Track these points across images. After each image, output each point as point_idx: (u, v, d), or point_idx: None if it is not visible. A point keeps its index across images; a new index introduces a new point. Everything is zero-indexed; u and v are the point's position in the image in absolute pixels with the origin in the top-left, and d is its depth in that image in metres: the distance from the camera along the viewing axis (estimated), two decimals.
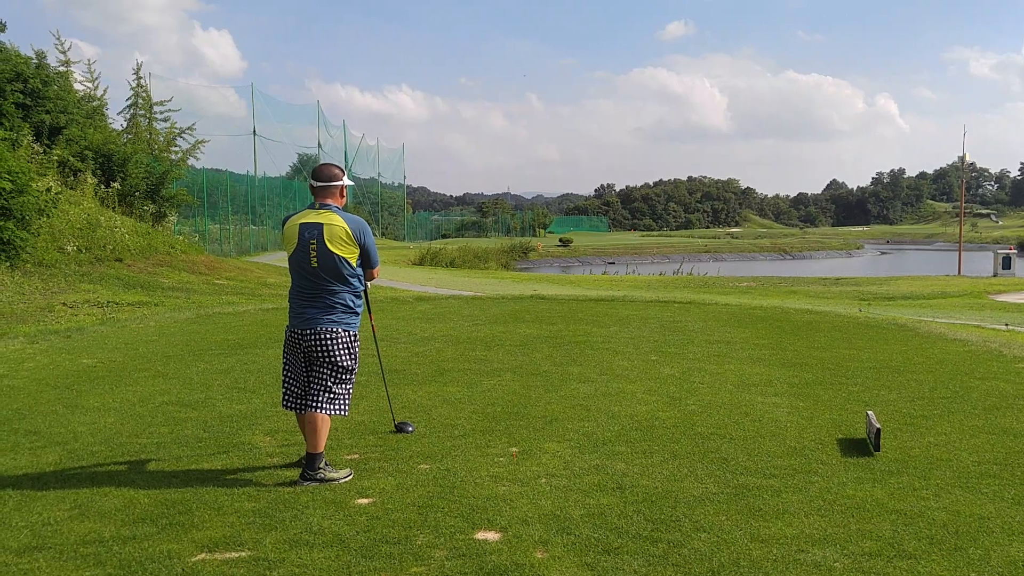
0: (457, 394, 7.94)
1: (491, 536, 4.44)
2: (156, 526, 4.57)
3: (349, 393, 5.69)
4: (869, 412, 6.45)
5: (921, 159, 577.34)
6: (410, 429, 6.55)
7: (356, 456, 5.97)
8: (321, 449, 5.45)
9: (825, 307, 18.61)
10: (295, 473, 5.55)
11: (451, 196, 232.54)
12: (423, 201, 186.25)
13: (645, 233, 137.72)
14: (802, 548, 4.28)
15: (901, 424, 6.90)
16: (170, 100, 43.48)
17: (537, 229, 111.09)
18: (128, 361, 9.87)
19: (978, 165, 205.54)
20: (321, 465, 5.43)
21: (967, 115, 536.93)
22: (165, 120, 43.90)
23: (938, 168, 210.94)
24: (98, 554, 4.20)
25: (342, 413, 5.62)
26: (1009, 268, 42.55)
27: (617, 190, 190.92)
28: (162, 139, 43.06)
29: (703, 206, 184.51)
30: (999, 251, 46.04)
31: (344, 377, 5.64)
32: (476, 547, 4.27)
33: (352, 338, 5.66)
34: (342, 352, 5.59)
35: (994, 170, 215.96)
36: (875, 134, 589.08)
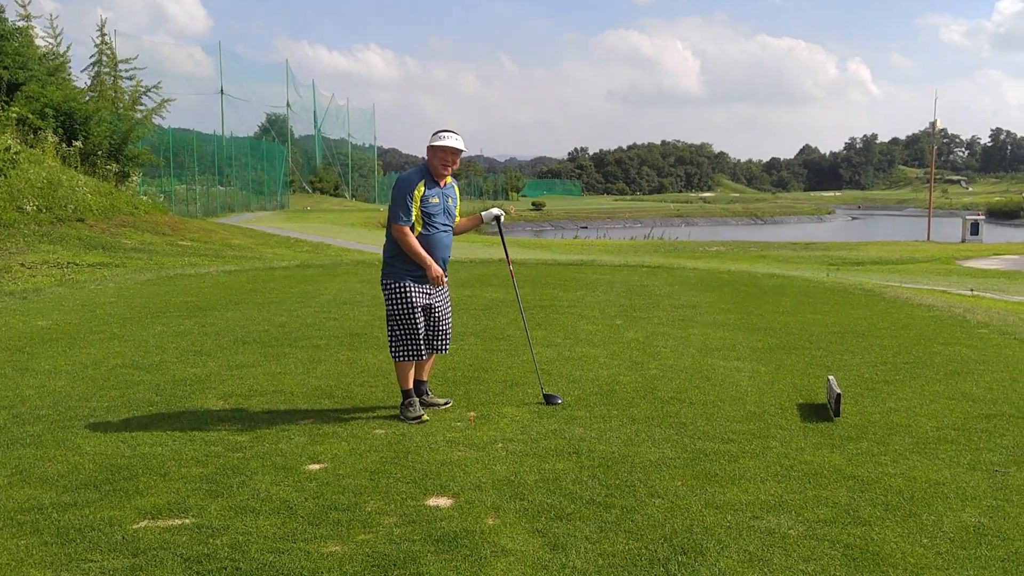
0: None
1: (443, 502, 4.36)
2: (99, 492, 4.45)
3: (401, 345, 5.97)
4: (830, 377, 6.41)
5: (894, 125, 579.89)
6: (559, 401, 6.35)
7: (311, 421, 5.87)
8: (404, 387, 6.01)
9: (793, 272, 18.64)
10: (247, 437, 5.44)
11: (423, 158, 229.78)
12: (395, 163, 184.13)
13: (618, 197, 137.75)
14: (756, 514, 4.24)
15: (862, 390, 6.88)
16: (135, 58, 42.70)
17: (510, 192, 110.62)
18: (84, 323, 9.68)
19: (949, 132, 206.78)
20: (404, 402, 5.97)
21: (939, 82, 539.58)
22: (130, 78, 43.14)
23: (910, 134, 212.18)
24: (36, 522, 4.08)
25: (394, 357, 6.03)
26: (977, 234, 42.93)
27: (591, 154, 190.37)
28: (127, 98, 42.33)
29: (676, 170, 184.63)
30: (968, 217, 46.46)
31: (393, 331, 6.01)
32: (427, 513, 4.19)
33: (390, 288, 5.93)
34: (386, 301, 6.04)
35: (965, 136, 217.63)
36: (848, 99, 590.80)
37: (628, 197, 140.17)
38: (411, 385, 5.97)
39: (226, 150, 51.97)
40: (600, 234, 56.07)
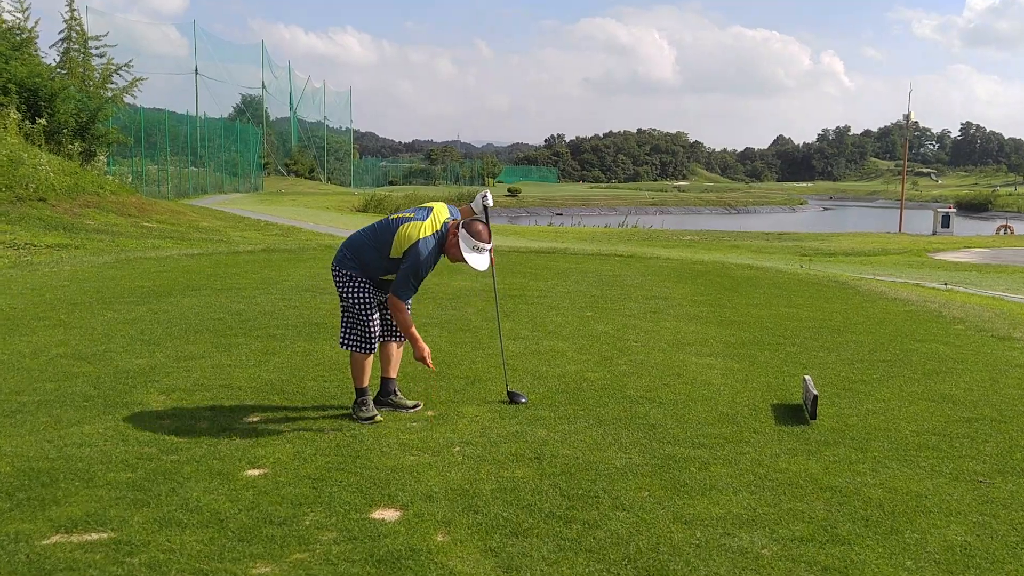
0: (377, 351, 7.46)
1: (389, 515, 4.02)
2: (11, 501, 4.06)
3: (357, 337, 5.69)
4: (806, 377, 6.13)
5: (866, 117, 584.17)
6: (523, 400, 5.98)
7: (257, 419, 5.51)
8: (358, 384, 5.67)
9: (767, 262, 18.40)
10: (185, 438, 5.07)
11: (400, 142, 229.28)
12: (371, 147, 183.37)
13: (594, 185, 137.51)
14: (728, 531, 3.93)
15: (839, 389, 6.60)
16: (106, 35, 41.85)
17: (486, 178, 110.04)
18: (30, 308, 9.24)
19: (920, 125, 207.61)
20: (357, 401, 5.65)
21: (910, 75, 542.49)
22: (101, 56, 42.31)
23: (882, 126, 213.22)
24: None
25: (344, 347, 5.77)
26: (948, 227, 42.94)
27: (567, 141, 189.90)
28: (97, 76, 41.51)
29: (652, 159, 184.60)
30: (939, 209, 46.48)
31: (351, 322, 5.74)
32: (371, 528, 3.85)
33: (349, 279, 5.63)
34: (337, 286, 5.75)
35: (936, 130, 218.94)
36: (821, 91, 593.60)
37: (604, 185, 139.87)
38: (366, 383, 5.61)
39: (200, 131, 51.25)
40: (575, 221, 55.72)
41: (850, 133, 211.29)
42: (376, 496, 4.25)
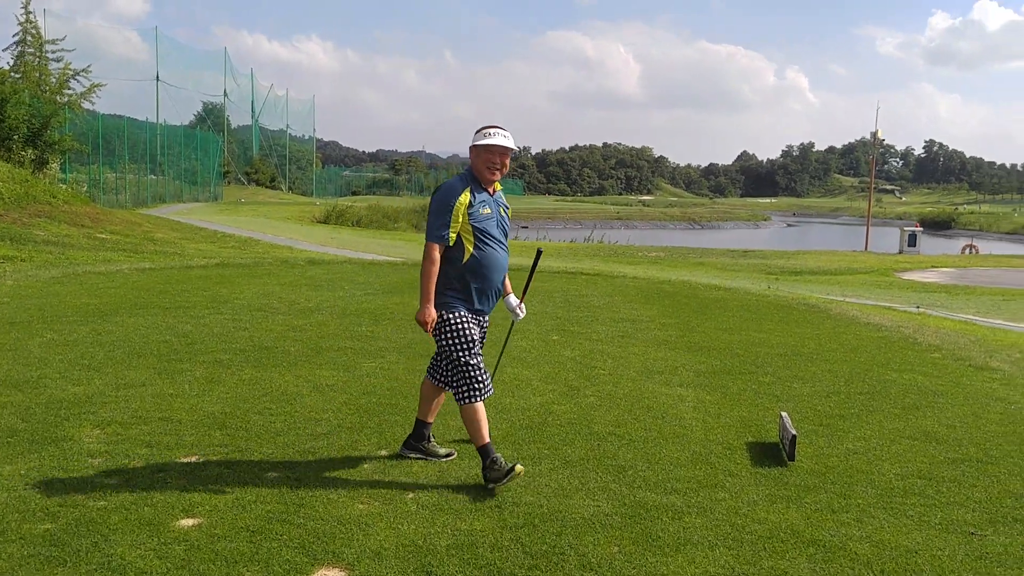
0: (330, 379, 7.06)
1: None
2: None
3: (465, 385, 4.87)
4: (783, 414, 5.81)
5: (830, 134, 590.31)
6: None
7: (195, 458, 5.08)
8: (481, 441, 4.86)
9: (734, 282, 18.19)
10: (115, 480, 4.64)
11: (364, 152, 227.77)
12: (334, 156, 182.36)
13: (559, 198, 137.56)
14: None
15: (816, 425, 6.28)
16: (63, 39, 41.19)
17: None
18: None
19: (884, 142, 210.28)
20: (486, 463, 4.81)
21: (875, 92, 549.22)
22: (58, 60, 41.54)
23: (846, 143, 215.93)
24: None
25: (460, 402, 4.91)
26: (914, 245, 43.22)
27: (533, 153, 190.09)
28: (54, 80, 40.74)
29: (617, 173, 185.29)
30: (905, 228, 46.75)
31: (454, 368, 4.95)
32: None
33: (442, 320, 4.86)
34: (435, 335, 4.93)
35: (899, 147, 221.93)
36: (786, 107, 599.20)
37: (569, 198, 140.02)
38: (485, 437, 4.82)
39: (160, 138, 50.42)
40: (540, 235, 55.54)
41: (814, 149, 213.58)
42: (319, 553, 3.86)
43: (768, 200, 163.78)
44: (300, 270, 14.73)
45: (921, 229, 48.14)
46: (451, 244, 4.77)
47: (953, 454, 5.71)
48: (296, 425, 5.77)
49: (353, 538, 4.03)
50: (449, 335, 4.82)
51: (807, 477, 5.16)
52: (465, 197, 4.78)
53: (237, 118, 78.56)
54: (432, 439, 5.27)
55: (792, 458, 5.40)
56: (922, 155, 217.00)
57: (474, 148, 4.89)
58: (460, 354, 4.82)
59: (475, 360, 4.83)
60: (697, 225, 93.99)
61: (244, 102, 76.96)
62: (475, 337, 4.86)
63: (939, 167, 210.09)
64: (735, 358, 8.66)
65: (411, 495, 4.60)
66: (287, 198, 66.70)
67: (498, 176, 4.92)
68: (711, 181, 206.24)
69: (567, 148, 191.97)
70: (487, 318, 5.10)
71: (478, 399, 4.82)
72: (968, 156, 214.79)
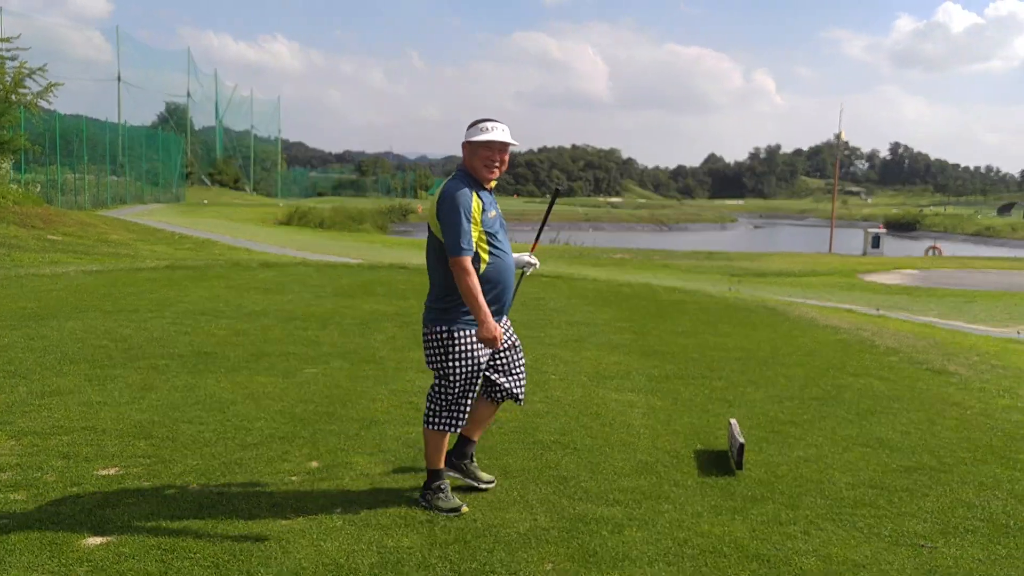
0: (268, 386, 6.79)
1: None
2: None
3: (439, 407, 4.50)
4: (732, 421, 5.63)
5: (797, 136, 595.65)
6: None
7: (114, 470, 4.81)
8: (434, 466, 4.54)
9: (695, 284, 18.08)
10: (24, 495, 4.37)
11: (330, 153, 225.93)
12: (301, 157, 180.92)
13: (528, 199, 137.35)
14: None
15: (767, 432, 6.11)
16: (18, 37, 40.26)
17: (419, 191, 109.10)
18: None
19: (851, 144, 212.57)
20: (432, 486, 4.52)
21: (841, 95, 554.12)
22: (13, 59, 40.76)
23: (813, 145, 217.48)
24: None
25: (429, 426, 4.51)
26: (878, 247, 43.45)
27: None
28: (8, 79, 39.96)
29: (586, 175, 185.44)
30: (869, 230, 46.99)
31: (435, 386, 4.54)
32: None
33: (442, 337, 4.42)
34: (428, 353, 4.52)
35: (865, 149, 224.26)
36: (753, 109, 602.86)
37: (538, 199, 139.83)
38: (443, 463, 4.56)
39: (122, 139, 49.66)
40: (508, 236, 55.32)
41: (781, 152, 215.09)
42: (233, 573, 3.63)
43: (736, 202, 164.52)
44: (252, 273, 14.41)
45: (885, 231, 48.44)
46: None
47: (906, 462, 5.56)
48: (226, 434, 5.51)
49: (271, 557, 3.79)
50: (454, 357, 4.39)
51: (755, 487, 4.98)
52: (476, 201, 4.36)
53: (201, 119, 77.77)
54: (474, 459, 4.81)
55: (740, 467, 5.22)
56: (888, 157, 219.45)
57: (469, 144, 4.44)
58: (458, 383, 4.42)
59: (470, 396, 4.47)
60: (665, 227, 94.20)
61: (208, 103, 76.21)
62: (481, 366, 4.45)
63: (905, 169, 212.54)
64: (689, 362, 8.49)
65: (338, 509, 4.37)
66: (251, 199, 66.04)
67: (497, 174, 4.52)
68: (679, 183, 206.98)
69: (536, 149, 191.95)
70: (505, 321, 4.70)
71: (451, 431, 4.50)
72: (933, 158, 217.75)
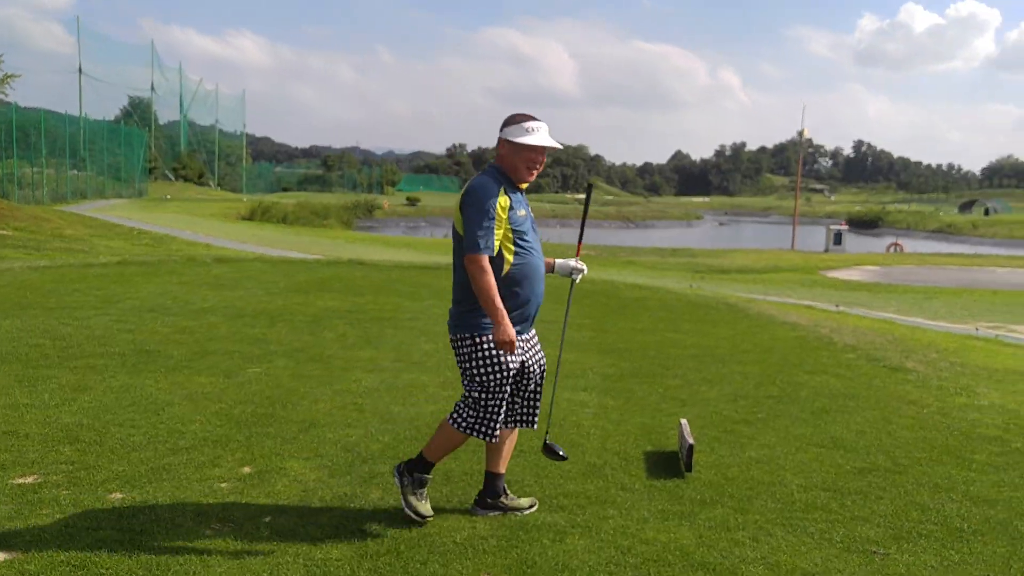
0: (207, 386, 6.55)
1: None
2: None
3: (467, 412, 4.22)
4: (683, 421, 5.48)
5: (762, 133, 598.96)
6: (561, 455, 4.60)
7: (32, 479, 4.56)
8: (431, 459, 4.30)
9: (658, 281, 17.98)
10: None
11: (297, 148, 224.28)
12: (267, 152, 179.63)
13: None
14: None
15: (720, 432, 5.97)
16: None
17: (385, 186, 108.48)
18: None
19: (815, 142, 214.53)
20: (415, 475, 4.28)
21: (805, 93, 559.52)
22: None
23: (777, 143, 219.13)
24: None
25: (452, 423, 4.25)
26: (840, 244, 43.67)
27: (469, 150, 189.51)
28: None
29: (553, 171, 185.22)
30: (831, 226, 47.24)
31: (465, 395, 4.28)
32: None
33: (465, 343, 4.20)
34: (458, 361, 4.30)
35: (829, 147, 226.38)
36: (719, 107, 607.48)
37: None
38: (439, 459, 4.33)
39: (83, 133, 48.85)
40: None
41: (746, 149, 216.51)
42: None
43: (701, 199, 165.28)
44: (205, 269, 14.09)
45: (847, 227, 48.71)
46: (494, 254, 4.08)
47: (860, 463, 5.43)
48: (157, 438, 5.27)
49: (190, 571, 3.58)
50: (481, 362, 4.15)
51: (704, 490, 4.83)
52: (504, 201, 4.11)
53: (165, 113, 76.85)
54: (508, 492, 4.48)
55: (689, 468, 5.07)
56: (851, 155, 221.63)
57: (512, 144, 4.18)
58: (489, 387, 4.16)
59: (499, 401, 4.19)
60: (632, 224, 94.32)
61: (172, 97, 75.32)
62: (511, 370, 4.20)
63: (868, 167, 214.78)
64: (646, 360, 8.34)
65: (267, 519, 4.16)
66: (215, 194, 65.32)
67: (535, 176, 4.30)
68: (646, 180, 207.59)
69: None
70: (534, 334, 4.50)
71: (479, 438, 4.20)
72: (896, 156, 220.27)
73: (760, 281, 22.17)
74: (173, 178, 71.07)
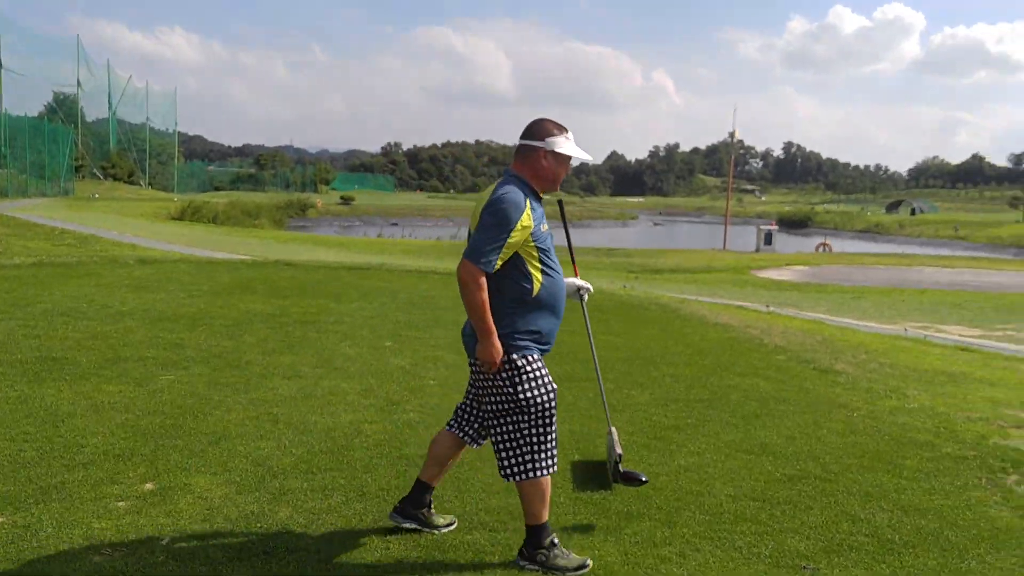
0: (115, 396, 6.20)
1: None
2: None
3: (524, 450, 3.89)
4: (612, 429, 5.29)
5: (695, 135, 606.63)
6: (644, 480, 4.48)
7: None
8: (538, 521, 3.89)
9: (593, 282, 17.86)
10: None
11: (230, 146, 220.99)
12: (199, 150, 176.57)
13: (432, 194, 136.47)
14: None
15: (650, 438, 5.82)
16: None
17: (319, 185, 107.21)
18: None
19: (746, 143, 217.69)
20: (543, 543, 3.86)
21: (736, 95, 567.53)
22: None
23: (710, 144, 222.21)
24: None
25: (521, 477, 3.89)
26: (770, 244, 44.21)
27: (404, 149, 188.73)
28: None
29: (490, 170, 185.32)
30: (762, 227, 47.81)
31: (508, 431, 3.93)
32: None
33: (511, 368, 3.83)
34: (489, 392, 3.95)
35: (760, 148, 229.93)
36: (653, 108, 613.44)
37: (442, 195, 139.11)
38: (544, 515, 3.90)
39: (3, 129, 47.37)
40: (408, 232, 54.73)
41: (680, 150, 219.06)
42: None
43: (636, 199, 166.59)
44: (127, 270, 13.58)
45: (777, 228, 49.36)
46: (495, 271, 3.77)
47: (790, 470, 5.32)
48: (53, 453, 4.93)
49: None
50: (532, 387, 3.83)
51: (631, 502, 4.66)
52: (528, 217, 3.79)
53: (93, 110, 74.84)
54: (432, 506, 4.23)
55: (616, 479, 4.88)
56: (781, 156, 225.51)
57: (546, 153, 3.93)
58: (536, 414, 3.85)
59: (554, 425, 3.93)
60: (569, 224, 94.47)
61: (101, 94, 73.39)
62: (555, 388, 3.95)
63: (797, 168, 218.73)
64: (576, 363, 8.17)
65: (164, 542, 3.87)
66: (145, 194, 63.83)
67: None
68: (582, 180, 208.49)
69: (439, 144, 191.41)
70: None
71: (549, 472, 3.90)
72: (825, 157, 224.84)
73: (693, 281, 22.23)
74: (102, 177, 69.32)
